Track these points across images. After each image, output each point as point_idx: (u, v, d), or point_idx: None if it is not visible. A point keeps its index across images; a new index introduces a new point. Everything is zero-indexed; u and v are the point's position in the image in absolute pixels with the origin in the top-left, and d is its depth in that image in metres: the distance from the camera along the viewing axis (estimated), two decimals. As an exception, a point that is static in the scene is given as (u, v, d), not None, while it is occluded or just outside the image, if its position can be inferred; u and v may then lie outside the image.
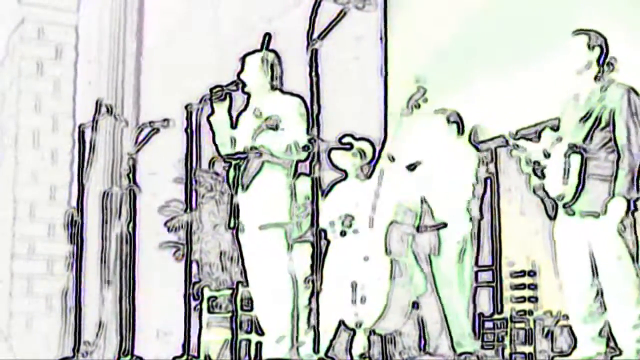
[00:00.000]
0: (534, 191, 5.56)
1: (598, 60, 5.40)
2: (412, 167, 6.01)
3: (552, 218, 5.49)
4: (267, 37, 6.38)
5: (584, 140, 5.33)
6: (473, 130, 5.95)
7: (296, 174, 6.32)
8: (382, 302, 6.08)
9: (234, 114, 6.49)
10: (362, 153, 6.24)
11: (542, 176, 5.45)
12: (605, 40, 5.39)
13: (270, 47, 6.46)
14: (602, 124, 5.32)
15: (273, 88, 6.40)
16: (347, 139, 6.26)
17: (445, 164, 5.96)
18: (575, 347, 5.43)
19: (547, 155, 5.42)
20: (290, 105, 6.30)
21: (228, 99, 6.47)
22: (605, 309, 5.29)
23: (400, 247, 6.06)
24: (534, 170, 5.51)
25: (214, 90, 6.50)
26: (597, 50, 5.39)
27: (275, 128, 6.27)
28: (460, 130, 6.01)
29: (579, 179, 5.32)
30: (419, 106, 6.08)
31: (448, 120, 5.98)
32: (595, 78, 5.40)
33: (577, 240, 5.34)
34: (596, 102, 5.34)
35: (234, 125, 6.44)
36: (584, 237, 5.33)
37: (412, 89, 6.09)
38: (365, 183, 6.21)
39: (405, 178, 6.05)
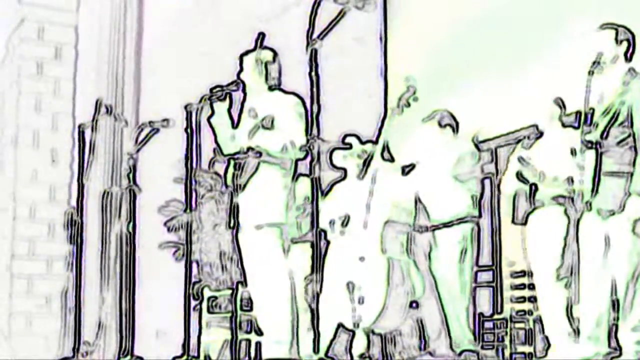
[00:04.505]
0: (513, 199, 5.58)
1: (625, 55, 5.37)
2: (407, 171, 6.02)
3: (522, 224, 5.50)
4: (261, 36, 6.39)
5: (601, 136, 5.31)
6: (475, 133, 5.96)
7: (296, 175, 6.33)
8: (380, 302, 6.08)
9: (235, 114, 6.50)
10: (365, 154, 6.24)
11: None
12: (633, 35, 5.37)
13: (270, 47, 6.47)
14: (620, 120, 5.30)
15: (271, 87, 6.40)
16: (349, 139, 6.26)
17: (441, 162, 5.96)
18: (549, 347, 5.45)
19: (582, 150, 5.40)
20: (287, 104, 6.31)
21: (228, 98, 6.48)
22: (617, 307, 5.28)
23: (395, 246, 6.07)
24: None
25: (214, 90, 6.51)
26: (625, 44, 5.37)
27: (271, 128, 6.28)
28: (455, 130, 6.02)
29: (594, 176, 5.31)
30: (409, 105, 6.09)
31: (440, 124, 6.00)
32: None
33: (591, 237, 5.33)
34: (616, 97, 5.32)
35: (235, 125, 6.45)
36: (600, 234, 5.31)
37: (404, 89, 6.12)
38: (361, 183, 6.22)
39: (399, 177, 6.07)
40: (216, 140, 6.53)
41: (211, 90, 6.57)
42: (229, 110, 6.51)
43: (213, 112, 6.53)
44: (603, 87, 5.35)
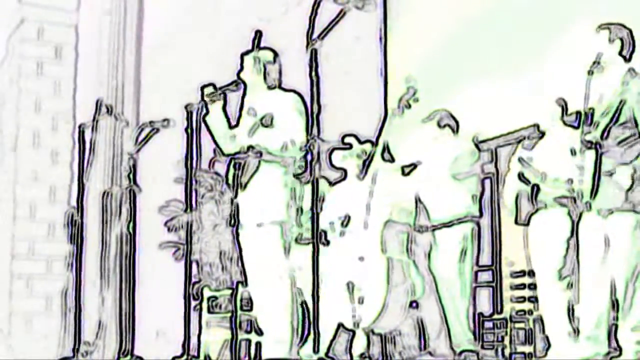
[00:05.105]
0: (516, 200, 5.58)
1: (620, 53, 5.36)
2: (407, 171, 6.02)
3: (525, 224, 5.50)
4: (258, 34, 6.39)
5: (601, 136, 5.31)
6: (475, 133, 5.96)
7: (302, 176, 6.33)
8: (380, 302, 6.08)
9: (235, 113, 6.50)
10: (365, 154, 6.24)
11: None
12: (631, 32, 5.36)
13: (270, 46, 6.47)
14: (621, 120, 5.30)
15: (270, 86, 6.41)
16: (349, 139, 6.26)
17: (441, 162, 5.97)
18: (549, 347, 5.46)
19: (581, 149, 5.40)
20: (287, 102, 6.32)
21: (222, 97, 6.48)
22: (617, 307, 5.28)
23: (395, 246, 6.07)
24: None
25: (206, 90, 6.53)
26: (618, 43, 5.36)
27: (271, 125, 6.28)
28: (455, 130, 6.02)
29: (594, 175, 5.31)
30: (409, 106, 6.10)
31: (439, 125, 6.01)
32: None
33: (591, 237, 5.33)
34: (616, 97, 5.31)
35: (234, 124, 6.46)
36: (600, 234, 5.31)
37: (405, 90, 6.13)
38: (361, 183, 6.22)
39: (399, 177, 6.07)
40: (214, 140, 6.53)
41: (202, 88, 6.60)
42: (224, 109, 6.51)
43: (208, 112, 6.54)
44: (603, 87, 5.35)
